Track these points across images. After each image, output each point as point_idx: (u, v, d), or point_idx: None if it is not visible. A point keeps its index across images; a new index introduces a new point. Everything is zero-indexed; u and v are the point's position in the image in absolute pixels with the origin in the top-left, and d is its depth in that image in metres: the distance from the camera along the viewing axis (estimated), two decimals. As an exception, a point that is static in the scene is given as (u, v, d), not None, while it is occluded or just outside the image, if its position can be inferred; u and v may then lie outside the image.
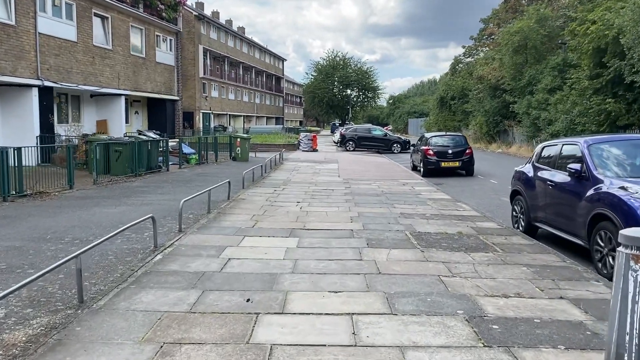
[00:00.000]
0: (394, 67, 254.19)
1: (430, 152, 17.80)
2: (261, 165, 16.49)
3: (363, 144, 32.38)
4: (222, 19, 57.17)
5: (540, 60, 29.32)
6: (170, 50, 25.49)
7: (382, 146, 32.04)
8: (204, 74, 45.77)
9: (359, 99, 70.31)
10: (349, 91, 68.86)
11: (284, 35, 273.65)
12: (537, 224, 7.82)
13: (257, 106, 63.95)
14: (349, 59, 69.12)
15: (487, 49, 43.10)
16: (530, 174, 8.12)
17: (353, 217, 9.05)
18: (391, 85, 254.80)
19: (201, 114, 45.49)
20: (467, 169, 18.04)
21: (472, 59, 48.58)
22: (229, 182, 10.93)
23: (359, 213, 9.51)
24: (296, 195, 11.88)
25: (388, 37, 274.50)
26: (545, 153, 8.02)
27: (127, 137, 16.17)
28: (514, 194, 8.67)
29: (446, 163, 17.67)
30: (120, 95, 20.75)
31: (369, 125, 40.31)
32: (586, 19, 21.84)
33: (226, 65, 53.14)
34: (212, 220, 8.59)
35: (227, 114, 53.26)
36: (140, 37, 22.54)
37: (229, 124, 52.98)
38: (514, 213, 8.66)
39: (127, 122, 23.00)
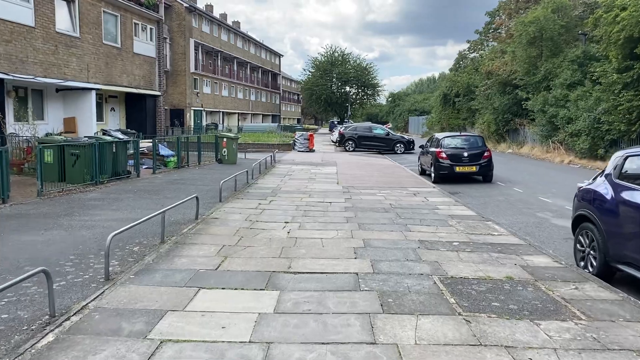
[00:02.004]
0: (392, 65, 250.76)
1: (443, 155, 15.41)
2: (246, 171, 14.13)
3: (363, 143, 30.01)
4: (216, 13, 54.67)
5: (557, 53, 26.88)
6: (151, 40, 22.95)
7: (383, 146, 29.66)
8: (196, 69, 43.40)
9: (358, 96, 67.53)
10: (347, 88, 66.04)
11: (281, 32, 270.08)
12: (621, 267, 5.48)
13: (252, 103, 61.47)
14: (348, 54, 66.26)
15: (495, 42, 40.65)
16: (608, 195, 5.75)
17: (357, 249, 6.70)
18: (389, 83, 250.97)
19: (192, 111, 43.07)
20: (485, 175, 15.66)
21: (478, 54, 46.22)
22: (196, 197, 8.55)
23: (364, 241, 7.16)
24: (284, 212, 9.52)
25: (386, 34, 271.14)
26: (631, 166, 5.65)
27: (86, 138, 13.71)
28: (580, 220, 6.30)
29: (461, 168, 15.30)
30: (90, 89, 18.29)
31: (370, 124, 37.91)
32: (614, 5, 19.50)
33: (219, 60, 50.71)
34: (163, 256, 6.22)
35: (220, 111, 50.82)
36: (115, 24, 19.99)
37: (223, 122, 50.51)
38: (578, 246, 6.30)
39: (101, 119, 20.53)
